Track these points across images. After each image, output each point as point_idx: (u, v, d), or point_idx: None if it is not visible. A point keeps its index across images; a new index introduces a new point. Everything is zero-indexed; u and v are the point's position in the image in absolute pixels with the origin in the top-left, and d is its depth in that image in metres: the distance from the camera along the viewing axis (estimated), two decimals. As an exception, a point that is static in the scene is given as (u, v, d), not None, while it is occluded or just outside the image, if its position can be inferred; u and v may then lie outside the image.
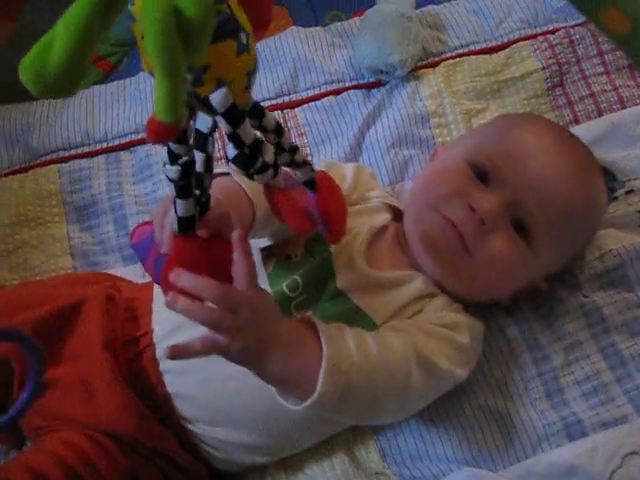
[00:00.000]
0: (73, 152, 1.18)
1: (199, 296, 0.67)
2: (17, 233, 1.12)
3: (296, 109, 1.19)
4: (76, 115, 1.21)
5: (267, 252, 0.94)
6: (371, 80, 1.20)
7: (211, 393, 0.88)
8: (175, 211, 0.66)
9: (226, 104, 0.58)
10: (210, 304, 0.68)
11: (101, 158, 1.17)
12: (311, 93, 1.21)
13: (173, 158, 0.63)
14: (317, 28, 1.27)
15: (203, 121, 0.62)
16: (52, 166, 1.17)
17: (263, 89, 1.21)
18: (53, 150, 1.19)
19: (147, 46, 0.47)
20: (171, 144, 0.62)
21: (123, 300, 0.96)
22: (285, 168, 0.69)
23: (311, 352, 0.74)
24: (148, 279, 1.04)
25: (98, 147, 1.19)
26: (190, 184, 0.64)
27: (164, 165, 0.64)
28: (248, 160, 0.62)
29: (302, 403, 0.73)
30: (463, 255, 0.90)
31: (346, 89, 1.20)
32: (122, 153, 1.18)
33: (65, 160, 1.18)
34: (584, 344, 0.98)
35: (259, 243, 0.94)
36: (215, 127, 0.62)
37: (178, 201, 0.65)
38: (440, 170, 0.97)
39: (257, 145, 0.62)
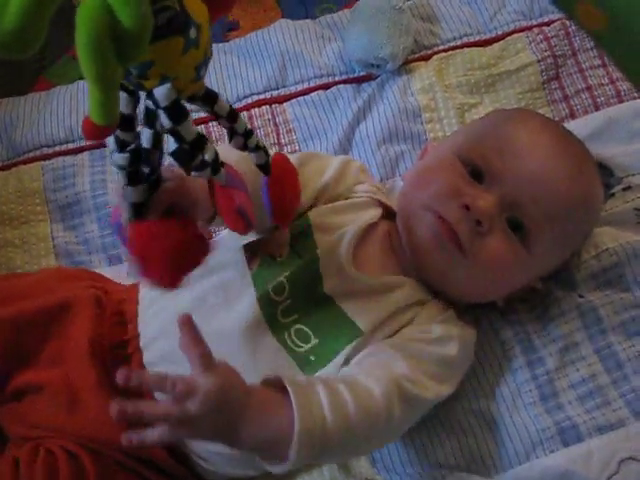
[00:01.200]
0: (57, 149, 1.16)
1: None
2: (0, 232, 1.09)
3: (284, 104, 1.17)
4: (60, 111, 1.18)
5: (251, 251, 0.91)
6: (361, 74, 1.18)
7: None
8: (126, 198, 0.66)
9: (168, 99, 0.58)
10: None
11: (85, 155, 1.15)
12: (300, 87, 1.18)
13: (121, 145, 0.63)
14: (307, 21, 1.25)
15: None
16: (35, 163, 1.15)
17: (251, 83, 1.18)
18: (37, 147, 1.16)
19: (79, 55, 0.48)
20: (118, 132, 0.62)
21: (111, 302, 0.93)
22: (234, 166, 0.70)
23: (284, 420, 0.73)
24: (131, 280, 1.02)
25: (82, 144, 1.16)
26: (139, 170, 0.64)
27: (111, 153, 0.63)
28: (187, 156, 0.63)
29: (282, 465, 0.73)
30: (459, 256, 0.88)
31: (336, 83, 1.18)
32: (107, 150, 1.15)
33: (49, 157, 1.15)
34: (580, 346, 0.96)
35: (243, 240, 0.92)
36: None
37: (128, 188, 0.65)
38: (433, 168, 0.94)
39: (198, 142, 0.62)
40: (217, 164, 0.66)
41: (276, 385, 0.76)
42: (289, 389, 0.74)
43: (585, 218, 0.95)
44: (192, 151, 0.62)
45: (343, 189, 0.97)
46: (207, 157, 0.63)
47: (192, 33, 0.56)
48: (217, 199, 0.70)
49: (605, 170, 1.05)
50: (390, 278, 0.91)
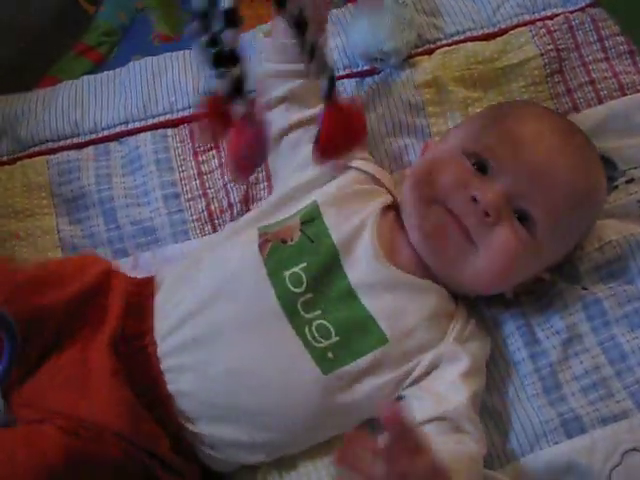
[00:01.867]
0: (62, 143, 1.16)
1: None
2: (4, 225, 1.09)
3: (288, 99, 1.16)
4: (65, 106, 1.18)
5: (262, 239, 0.92)
6: (365, 68, 1.17)
7: (213, 391, 0.86)
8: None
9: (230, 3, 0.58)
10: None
11: (90, 149, 1.15)
12: (304, 82, 1.18)
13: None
14: (310, 15, 1.25)
15: None
16: (41, 158, 1.15)
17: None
18: (42, 141, 1.16)
19: None
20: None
21: (128, 295, 0.93)
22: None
23: None
24: (138, 273, 1.03)
25: (87, 138, 1.16)
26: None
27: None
28: (223, 59, 0.62)
29: None
30: (469, 248, 0.89)
31: (339, 77, 1.17)
32: (111, 144, 1.15)
33: (54, 151, 1.15)
34: (583, 338, 0.96)
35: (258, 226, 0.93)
36: None
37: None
38: (437, 162, 0.95)
39: (235, 53, 0.61)
40: (241, 86, 0.64)
41: None
42: None
43: (590, 208, 0.95)
44: (228, 57, 0.61)
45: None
46: (234, 72, 0.62)
47: None
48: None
49: (608, 163, 1.05)
50: (423, 281, 0.92)
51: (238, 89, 0.64)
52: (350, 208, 0.94)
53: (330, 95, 0.70)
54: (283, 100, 1.03)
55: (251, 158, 0.69)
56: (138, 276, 1.00)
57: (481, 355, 0.92)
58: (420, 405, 0.86)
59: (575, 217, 0.92)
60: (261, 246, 0.91)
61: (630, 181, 1.06)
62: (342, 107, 0.72)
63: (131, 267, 1.07)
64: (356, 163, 0.99)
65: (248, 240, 0.92)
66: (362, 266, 0.89)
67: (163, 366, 0.88)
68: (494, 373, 0.95)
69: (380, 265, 0.89)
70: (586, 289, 0.99)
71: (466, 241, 0.89)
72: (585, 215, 0.95)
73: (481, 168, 0.91)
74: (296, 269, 0.88)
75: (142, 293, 0.94)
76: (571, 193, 0.90)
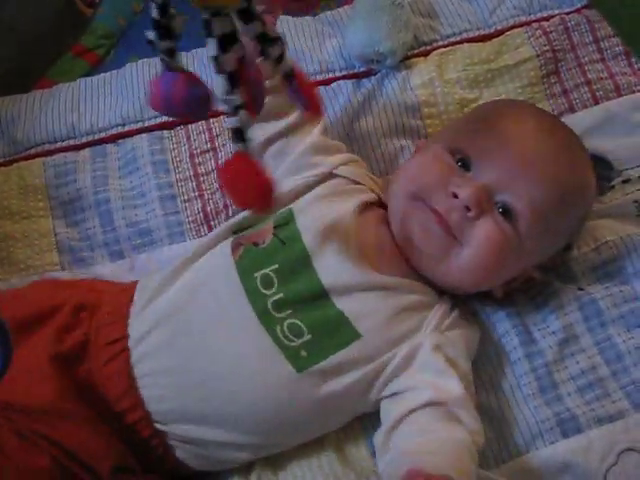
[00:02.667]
0: (58, 145, 1.16)
1: None
2: (0, 227, 1.09)
3: (285, 99, 1.17)
4: (62, 108, 1.18)
5: (235, 243, 0.92)
6: (361, 70, 1.18)
7: (188, 394, 0.86)
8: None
9: None
10: None
11: (87, 151, 1.15)
12: (300, 83, 1.18)
13: None
14: (306, 17, 1.25)
15: None
16: (37, 160, 1.15)
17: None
18: (38, 143, 1.16)
19: None
20: None
21: (100, 305, 0.93)
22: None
23: None
24: (134, 275, 1.03)
25: (84, 140, 1.16)
26: None
27: None
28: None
29: None
30: (452, 245, 0.89)
31: (336, 79, 1.18)
32: (108, 146, 1.15)
33: (50, 153, 1.15)
34: (579, 338, 0.96)
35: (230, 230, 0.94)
36: None
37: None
38: (421, 161, 0.96)
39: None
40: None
41: None
42: None
43: (577, 204, 0.95)
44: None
45: (324, 161, 0.98)
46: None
47: None
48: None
49: (604, 163, 1.06)
50: (401, 280, 0.92)
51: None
52: (325, 207, 0.94)
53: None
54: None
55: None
56: (134, 278, 1.01)
57: (462, 342, 0.91)
58: (413, 392, 0.86)
59: (561, 212, 0.91)
60: (233, 249, 0.91)
61: (626, 181, 1.06)
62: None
63: (128, 269, 1.07)
64: (339, 169, 0.99)
65: (221, 247, 0.93)
66: (334, 268, 0.89)
67: (136, 372, 0.87)
68: (490, 372, 0.95)
69: (353, 267, 0.89)
70: (582, 289, 0.98)
71: (449, 238, 0.89)
72: (572, 211, 0.94)
73: (464, 164, 0.91)
74: (266, 270, 0.88)
75: (119, 301, 0.94)
76: (555, 187, 0.89)
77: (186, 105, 0.69)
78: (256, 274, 0.88)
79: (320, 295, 0.88)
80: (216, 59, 0.64)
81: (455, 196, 0.88)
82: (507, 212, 0.89)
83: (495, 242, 0.88)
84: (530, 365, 0.94)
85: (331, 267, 0.89)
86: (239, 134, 0.66)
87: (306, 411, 0.87)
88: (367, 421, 0.94)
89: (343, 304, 0.88)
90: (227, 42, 0.63)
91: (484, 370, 0.95)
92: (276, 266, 0.89)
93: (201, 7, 0.60)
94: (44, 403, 0.83)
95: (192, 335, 0.88)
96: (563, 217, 0.93)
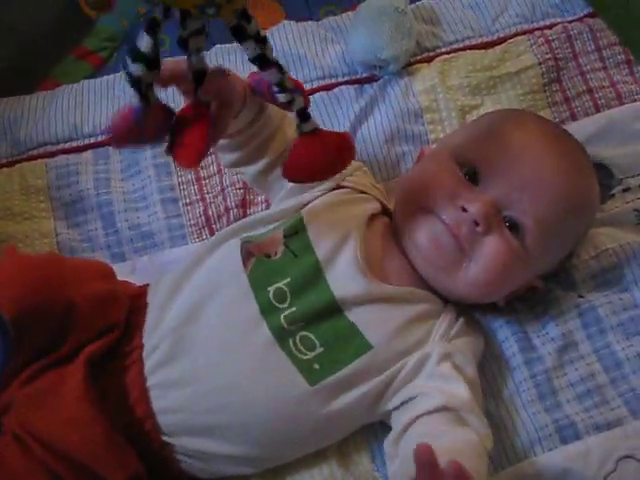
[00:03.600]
0: (61, 147, 1.16)
1: None
2: (2, 227, 1.09)
3: (287, 104, 1.17)
4: (64, 109, 1.19)
5: (245, 252, 0.91)
6: (364, 75, 1.18)
7: (200, 406, 0.85)
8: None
9: None
10: None
11: (89, 153, 1.15)
12: (303, 88, 1.18)
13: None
14: (310, 23, 1.26)
15: None
16: (39, 161, 1.15)
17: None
18: (40, 144, 1.17)
19: None
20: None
21: (124, 310, 0.92)
22: None
23: None
24: (135, 278, 1.03)
25: (86, 142, 1.17)
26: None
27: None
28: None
29: None
30: (461, 258, 0.89)
31: (338, 84, 1.18)
32: (111, 148, 1.15)
33: (53, 155, 1.16)
34: (578, 345, 0.96)
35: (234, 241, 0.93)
36: None
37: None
38: (429, 171, 0.95)
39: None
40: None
41: None
42: None
43: (582, 216, 0.96)
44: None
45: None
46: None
47: None
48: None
49: (605, 171, 1.06)
50: (410, 290, 0.92)
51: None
52: (335, 217, 0.93)
53: (303, 124, 0.76)
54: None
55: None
56: (135, 281, 1.00)
57: (469, 349, 0.92)
58: (422, 399, 0.86)
59: (567, 225, 0.92)
60: (245, 260, 0.90)
61: (627, 190, 1.06)
62: (319, 137, 0.77)
63: (129, 272, 1.07)
64: (345, 181, 0.98)
65: (231, 252, 0.91)
66: (346, 281, 0.88)
67: (149, 383, 0.86)
68: (489, 378, 0.95)
69: (364, 279, 0.89)
70: (582, 297, 0.99)
71: (459, 251, 0.89)
72: (577, 223, 0.95)
73: (472, 177, 0.91)
74: (280, 284, 0.88)
75: (134, 307, 0.92)
76: (562, 202, 0.90)
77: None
78: (269, 288, 0.87)
79: (332, 307, 0.87)
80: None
81: (464, 210, 0.88)
82: (515, 227, 0.89)
83: (503, 258, 0.88)
84: (529, 372, 0.94)
85: (342, 279, 0.88)
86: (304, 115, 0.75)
87: (316, 424, 0.87)
88: (369, 426, 0.94)
89: (354, 316, 0.88)
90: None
91: (483, 376, 0.94)
92: (288, 279, 0.88)
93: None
94: (70, 416, 0.82)
95: (204, 349, 0.86)
96: (569, 229, 0.94)
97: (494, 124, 0.97)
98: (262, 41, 0.70)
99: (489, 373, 0.95)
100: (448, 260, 0.90)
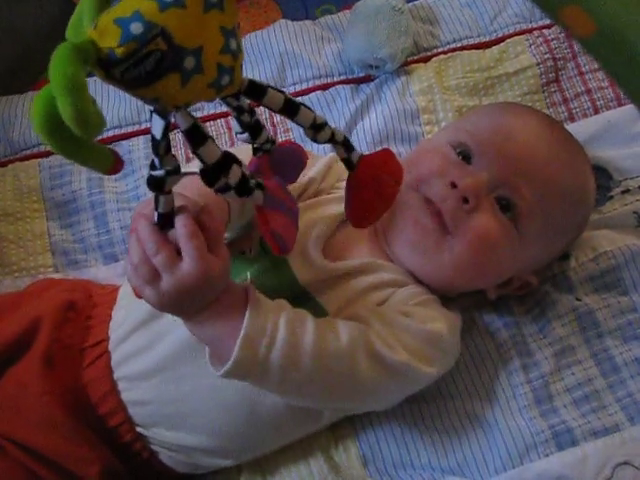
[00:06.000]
0: (54, 147, 1.16)
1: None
2: (-6, 227, 1.09)
3: (283, 104, 1.16)
4: (58, 109, 1.18)
5: None
6: (360, 75, 1.17)
7: (167, 397, 0.85)
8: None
9: (186, 124, 0.59)
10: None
11: (82, 153, 1.14)
12: (298, 88, 1.18)
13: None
14: (306, 22, 1.25)
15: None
16: (32, 161, 1.15)
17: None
18: (34, 144, 1.16)
19: None
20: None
21: (85, 307, 0.93)
22: (276, 180, 0.70)
23: (237, 322, 0.72)
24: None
25: (79, 142, 1.16)
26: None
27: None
28: (209, 178, 0.62)
29: (221, 368, 0.72)
30: (443, 236, 0.86)
31: (334, 84, 1.17)
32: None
33: (46, 155, 1.15)
34: (576, 349, 0.94)
35: None
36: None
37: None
38: (421, 152, 0.94)
39: (220, 166, 0.62)
40: (244, 187, 0.65)
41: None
42: (249, 297, 0.73)
43: (577, 205, 0.94)
44: (214, 174, 0.62)
45: (327, 185, 0.96)
46: (231, 181, 0.63)
47: (188, 63, 0.54)
48: (256, 218, 0.70)
49: (604, 173, 1.05)
50: (361, 261, 0.89)
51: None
52: (312, 215, 0.92)
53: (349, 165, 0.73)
54: None
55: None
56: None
57: (438, 315, 0.87)
58: None
59: (560, 210, 0.90)
60: None
61: (625, 191, 1.05)
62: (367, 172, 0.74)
63: (121, 273, 1.06)
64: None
65: None
66: (305, 267, 0.87)
67: (117, 375, 0.86)
68: (485, 382, 0.93)
69: (318, 263, 0.87)
70: (580, 300, 0.97)
71: (440, 228, 0.86)
72: (572, 211, 0.93)
73: (465, 158, 0.89)
74: (244, 275, 0.86)
75: (105, 303, 0.93)
76: (555, 183, 0.89)
77: None
78: (237, 280, 0.86)
79: (303, 293, 0.86)
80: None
81: (454, 186, 0.86)
82: (506, 207, 0.87)
83: (491, 235, 0.86)
84: (526, 376, 0.92)
85: (305, 267, 0.87)
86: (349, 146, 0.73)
87: (291, 410, 0.85)
88: (358, 423, 0.93)
89: (321, 296, 0.86)
90: None
91: (479, 379, 0.93)
92: (252, 269, 0.86)
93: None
94: (37, 417, 0.84)
95: (170, 338, 0.85)
96: (563, 216, 0.91)
97: (491, 111, 0.97)
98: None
99: (485, 376, 0.94)
100: (429, 240, 0.87)
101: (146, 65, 0.53)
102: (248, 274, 0.86)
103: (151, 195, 0.66)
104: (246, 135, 0.70)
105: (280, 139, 1.14)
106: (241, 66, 0.60)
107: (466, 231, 0.85)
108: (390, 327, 0.82)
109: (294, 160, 0.77)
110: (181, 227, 0.66)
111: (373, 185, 0.75)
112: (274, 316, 0.74)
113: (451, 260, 0.87)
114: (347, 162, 0.73)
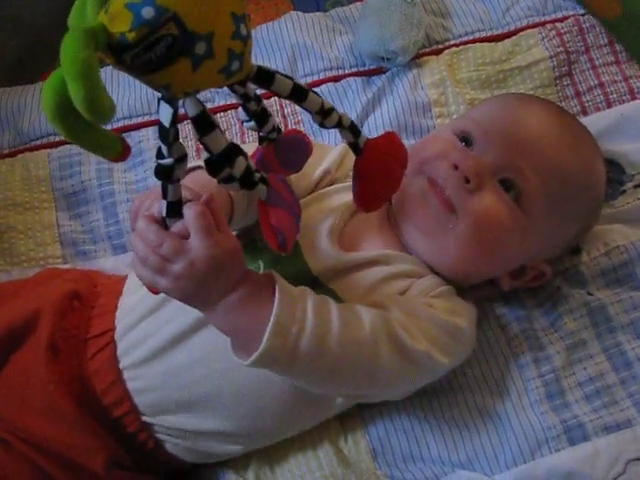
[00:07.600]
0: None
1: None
2: (4, 217, 1.08)
3: (293, 96, 1.15)
4: (68, 99, 1.18)
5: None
6: (372, 67, 1.17)
7: (175, 382, 0.85)
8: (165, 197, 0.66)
9: (194, 111, 0.59)
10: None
11: (92, 144, 1.14)
12: (309, 80, 1.17)
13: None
14: (317, 14, 1.24)
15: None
16: (42, 151, 1.14)
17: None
18: (43, 135, 1.16)
19: None
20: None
21: (90, 298, 0.92)
22: (281, 179, 0.70)
23: (264, 310, 0.71)
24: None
25: (89, 132, 1.15)
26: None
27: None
28: (214, 167, 0.63)
29: (248, 358, 0.71)
30: (448, 215, 0.86)
31: (345, 76, 1.17)
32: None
33: (55, 145, 1.15)
34: (587, 344, 0.94)
35: None
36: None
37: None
38: (426, 140, 0.95)
39: (226, 156, 0.62)
40: (248, 179, 0.64)
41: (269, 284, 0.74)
42: (276, 284, 0.72)
43: (583, 191, 0.92)
44: (218, 163, 0.62)
45: (341, 174, 0.97)
46: (235, 172, 0.63)
47: (199, 48, 0.54)
48: (259, 212, 0.69)
49: (616, 167, 1.04)
50: (378, 252, 0.89)
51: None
52: (325, 203, 0.92)
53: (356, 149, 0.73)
54: None
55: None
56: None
57: (460, 308, 0.87)
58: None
59: (565, 194, 0.89)
60: None
61: (638, 186, 1.04)
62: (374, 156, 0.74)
63: (130, 263, 1.05)
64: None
65: None
66: (319, 257, 0.86)
67: (122, 364, 0.86)
68: (496, 376, 0.93)
69: (331, 252, 0.87)
70: (591, 294, 0.97)
71: (444, 206, 0.86)
72: (579, 197, 0.92)
73: (467, 142, 0.90)
74: (255, 263, 0.86)
75: (111, 293, 0.93)
76: (560, 167, 0.88)
77: None
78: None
79: (314, 282, 0.85)
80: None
81: (456, 167, 0.86)
82: (510, 188, 0.87)
83: (496, 214, 0.85)
84: (537, 370, 0.92)
85: (318, 257, 0.86)
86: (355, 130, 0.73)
87: (300, 396, 0.85)
88: (367, 416, 0.93)
89: (335, 285, 0.85)
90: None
91: (490, 373, 0.93)
92: (267, 255, 0.86)
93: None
94: (42, 406, 0.84)
95: (179, 326, 0.85)
96: (568, 200, 0.90)
97: (500, 100, 0.98)
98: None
99: (496, 371, 0.93)
100: (435, 220, 0.86)
101: (157, 50, 0.53)
102: (261, 262, 0.85)
103: (150, 188, 0.66)
104: (252, 123, 0.69)
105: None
106: (250, 52, 0.60)
107: (470, 211, 0.85)
108: (412, 316, 0.82)
109: (299, 149, 0.76)
110: (189, 210, 0.66)
111: (380, 168, 0.75)
112: (302, 302, 0.74)
113: (456, 240, 0.86)
114: (354, 146, 0.73)
